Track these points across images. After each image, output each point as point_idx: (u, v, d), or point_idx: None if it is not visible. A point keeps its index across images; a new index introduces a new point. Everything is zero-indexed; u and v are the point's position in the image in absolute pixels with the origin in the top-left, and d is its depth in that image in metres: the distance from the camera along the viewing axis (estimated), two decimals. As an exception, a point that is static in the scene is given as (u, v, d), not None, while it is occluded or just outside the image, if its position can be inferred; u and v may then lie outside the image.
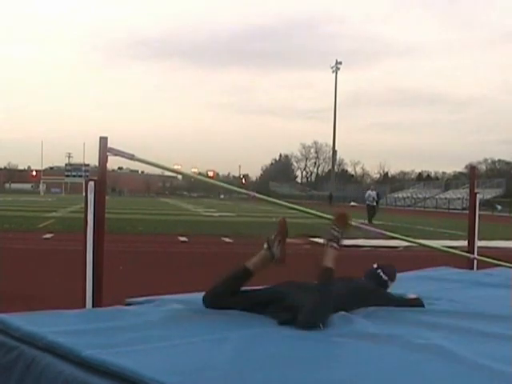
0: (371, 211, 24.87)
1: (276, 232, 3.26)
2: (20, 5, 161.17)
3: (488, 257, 5.58)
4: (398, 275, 4.97)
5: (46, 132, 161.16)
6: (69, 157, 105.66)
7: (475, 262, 5.59)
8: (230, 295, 3.16)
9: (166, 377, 2.02)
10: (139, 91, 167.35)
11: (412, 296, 3.55)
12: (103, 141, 3.36)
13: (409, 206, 61.55)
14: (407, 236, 6.84)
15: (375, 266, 3.73)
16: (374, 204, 25.40)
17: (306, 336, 2.71)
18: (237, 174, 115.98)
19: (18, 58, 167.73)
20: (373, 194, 25.74)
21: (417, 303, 3.49)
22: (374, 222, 22.63)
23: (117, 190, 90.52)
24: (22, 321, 2.72)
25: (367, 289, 3.49)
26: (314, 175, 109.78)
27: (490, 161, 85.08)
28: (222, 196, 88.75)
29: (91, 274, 3.34)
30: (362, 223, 7.14)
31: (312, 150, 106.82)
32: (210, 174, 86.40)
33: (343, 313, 3.07)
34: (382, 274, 3.66)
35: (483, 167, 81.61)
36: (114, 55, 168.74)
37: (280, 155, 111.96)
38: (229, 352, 2.38)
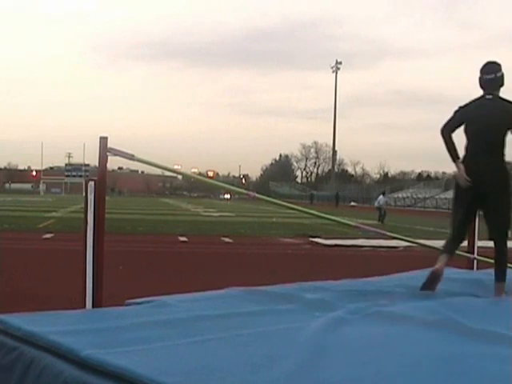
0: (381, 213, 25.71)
1: None
2: (21, 4, 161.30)
3: (488, 257, 5.58)
4: (399, 275, 4.99)
5: (46, 132, 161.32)
6: (69, 157, 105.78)
7: (475, 261, 5.59)
8: None
9: (165, 377, 2.02)
10: (139, 91, 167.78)
11: None
12: (103, 141, 3.36)
13: (409, 206, 61.49)
14: (407, 236, 6.84)
15: None
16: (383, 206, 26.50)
17: (308, 336, 2.71)
18: (237, 174, 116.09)
19: (19, 57, 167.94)
20: (385, 198, 27.93)
21: None
22: (372, 221, 22.65)
23: (116, 190, 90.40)
24: (22, 321, 2.72)
25: None
26: (313, 175, 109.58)
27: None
28: (221, 196, 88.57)
29: (91, 274, 3.34)
30: (366, 224, 7.13)
31: (312, 150, 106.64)
32: (210, 174, 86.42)
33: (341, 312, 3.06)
34: None
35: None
36: (115, 56, 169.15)
37: (280, 155, 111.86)
38: (227, 352, 2.38)
